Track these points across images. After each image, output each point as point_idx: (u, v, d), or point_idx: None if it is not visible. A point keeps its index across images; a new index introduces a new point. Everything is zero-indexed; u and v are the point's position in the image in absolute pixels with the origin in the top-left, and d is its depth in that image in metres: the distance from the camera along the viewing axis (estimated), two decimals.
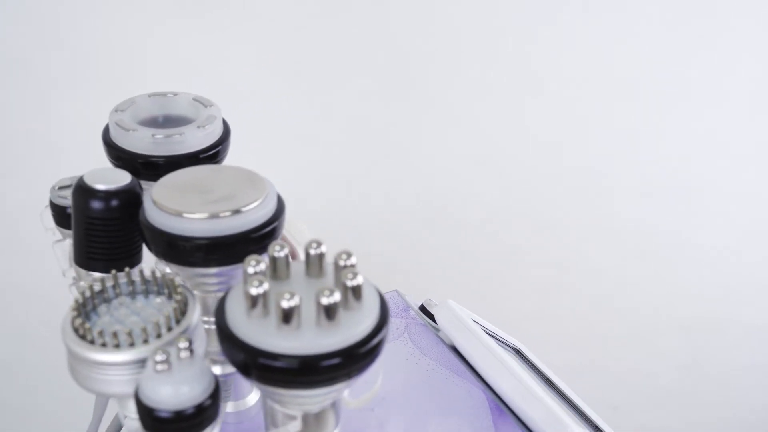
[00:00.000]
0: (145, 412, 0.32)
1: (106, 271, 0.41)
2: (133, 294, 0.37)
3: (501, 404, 0.53)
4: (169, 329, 0.34)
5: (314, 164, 0.91)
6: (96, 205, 0.40)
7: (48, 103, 0.91)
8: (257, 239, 0.39)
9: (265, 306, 0.32)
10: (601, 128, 0.90)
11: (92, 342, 0.34)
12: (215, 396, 0.32)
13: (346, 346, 0.31)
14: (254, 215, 0.39)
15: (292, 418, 0.34)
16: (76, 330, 0.35)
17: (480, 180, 0.92)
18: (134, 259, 0.42)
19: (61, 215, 0.46)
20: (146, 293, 0.37)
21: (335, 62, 0.88)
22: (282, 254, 0.34)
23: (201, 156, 0.46)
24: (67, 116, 0.91)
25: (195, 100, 0.50)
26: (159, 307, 0.36)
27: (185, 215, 0.38)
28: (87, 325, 0.34)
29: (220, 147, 0.48)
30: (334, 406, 0.35)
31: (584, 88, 0.89)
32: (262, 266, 0.33)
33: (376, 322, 0.32)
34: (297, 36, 0.87)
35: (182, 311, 0.35)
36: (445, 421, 0.32)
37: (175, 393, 0.32)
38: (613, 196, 0.92)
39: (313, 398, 0.33)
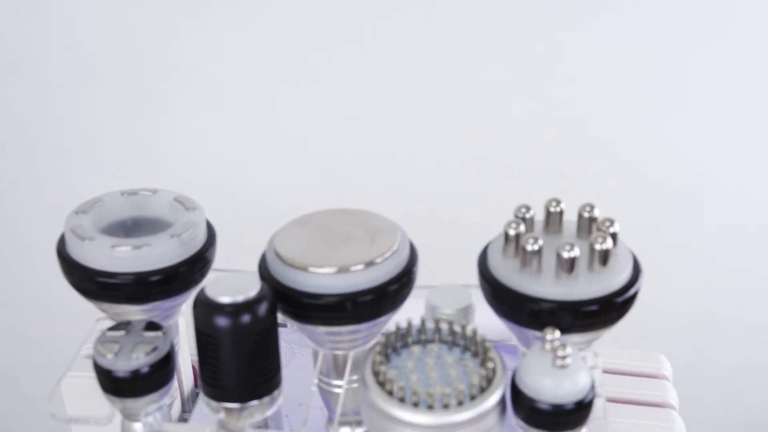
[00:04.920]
0: (525, 403, 0.33)
1: (259, 394, 0.36)
2: (424, 342, 0.35)
3: None
4: (472, 398, 0.32)
5: (314, 164, 0.87)
6: (259, 315, 0.34)
7: (46, 102, 0.85)
8: (394, 292, 0.35)
9: (539, 259, 0.35)
10: (601, 127, 0.89)
11: (401, 400, 0.32)
12: (594, 391, 0.34)
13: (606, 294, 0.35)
14: (389, 266, 0.35)
15: None
16: (381, 384, 0.32)
17: (480, 180, 0.90)
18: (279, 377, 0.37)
19: (108, 378, 0.36)
20: (452, 345, 0.34)
21: (335, 61, 0.85)
22: (558, 209, 0.37)
23: (212, 243, 0.41)
24: (67, 116, 0.85)
25: (128, 194, 0.42)
26: (456, 363, 0.33)
27: (312, 270, 0.34)
28: (401, 383, 0.32)
29: (210, 223, 0.42)
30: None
31: (584, 88, 0.87)
32: (522, 228, 0.37)
33: (631, 274, 0.37)
34: (296, 35, 0.83)
35: (491, 373, 0.33)
36: None
37: (557, 385, 0.33)
38: (612, 196, 0.91)
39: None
